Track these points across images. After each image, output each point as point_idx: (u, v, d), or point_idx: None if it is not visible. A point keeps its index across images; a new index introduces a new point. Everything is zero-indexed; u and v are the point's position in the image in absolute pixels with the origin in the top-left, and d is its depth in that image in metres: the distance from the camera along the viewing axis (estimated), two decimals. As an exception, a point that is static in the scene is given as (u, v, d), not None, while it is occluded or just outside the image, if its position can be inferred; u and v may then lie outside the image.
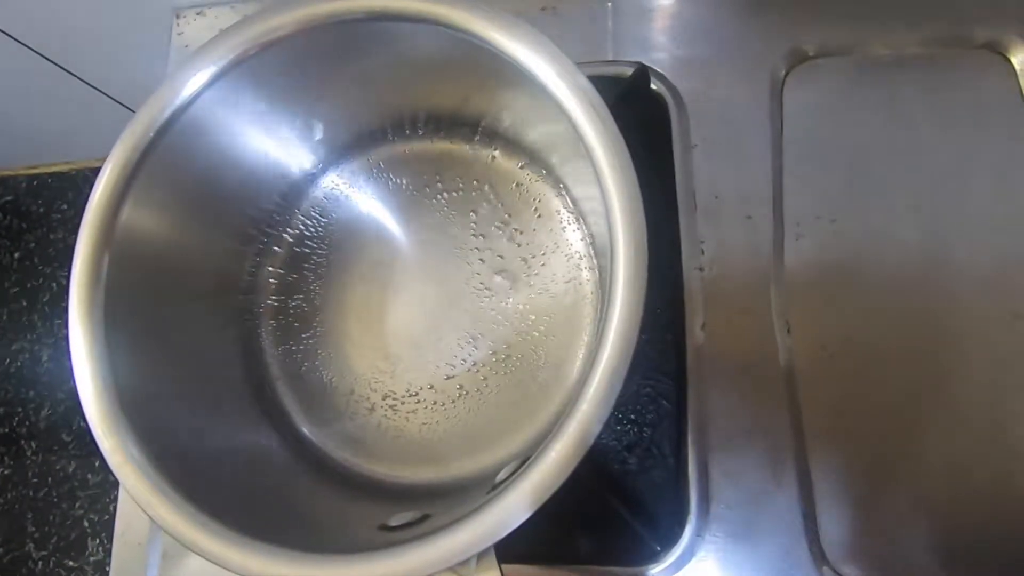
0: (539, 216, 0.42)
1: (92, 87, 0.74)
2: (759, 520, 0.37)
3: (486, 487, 0.32)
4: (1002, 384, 0.38)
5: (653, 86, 0.45)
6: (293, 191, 0.44)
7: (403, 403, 0.41)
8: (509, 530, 0.26)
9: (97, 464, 0.94)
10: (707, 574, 0.37)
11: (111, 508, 0.90)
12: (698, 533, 0.37)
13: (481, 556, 0.27)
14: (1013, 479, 0.37)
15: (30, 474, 0.94)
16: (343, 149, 0.45)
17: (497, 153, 0.43)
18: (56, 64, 0.69)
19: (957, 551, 0.37)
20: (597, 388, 0.27)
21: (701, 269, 0.41)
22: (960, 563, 0.36)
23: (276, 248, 0.44)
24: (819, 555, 0.37)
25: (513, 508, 0.26)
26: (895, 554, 0.37)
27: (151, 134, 0.33)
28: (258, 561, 0.28)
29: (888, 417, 0.39)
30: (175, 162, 0.34)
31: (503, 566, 0.28)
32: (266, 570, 0.27)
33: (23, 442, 0.95)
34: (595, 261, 0.41)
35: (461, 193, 0.44)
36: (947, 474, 0.38)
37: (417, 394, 0.41)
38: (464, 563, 0.27)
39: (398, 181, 0.44)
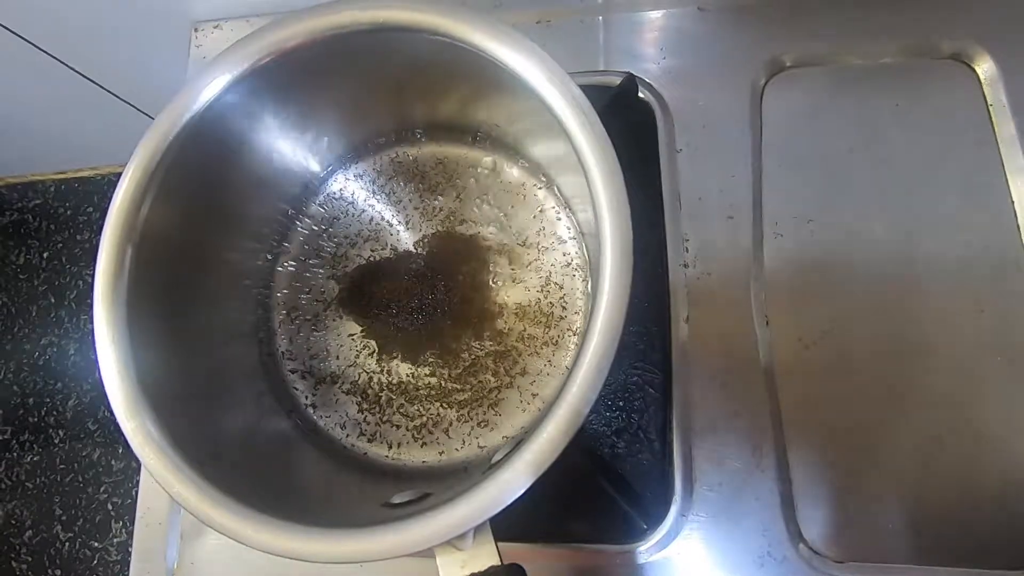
0: (533, 216, 0.42)
1: (116, 97, 0.74)
2: (740, 501, 0.38)
3: (483, 467, 0.33)
4: (967, 373, 0.39)
5: (641, 94, 0.45)
6: (304, 192, 0.45)
7: (406, 390, 0.41)
8: (503, 506, 0.26)
9: (120, 451, 0.94)
10: (691, 551, 0.37)
11: (133, 492, 0.90)
12: (682, 513, 0.38)
13: (477, 531, 0.27)
14: (979, 461, 0.37)
15: (57, 461, 0.95)
16: (350, 152, 0.45)
17: (494, 157, 0.43)
18: (83, 75, 0.70)
19: (926, 529, 0.37)
20: (586, 374, 0.27)
21: (686, 266, 0.42)
22: (928, 540, 0.37)
23: (287, 245, 0.44)
24: (796, 533, 0.37)
25: (507, 486, 0.26)
26: (867, 532, 0.37)
27: (169, 139, 0.33)
28: (269, 535, 0.28)
29: (861, 405, 0.39)
30: (191, 165, 0.34)
31: (499, 543, 0.28)
32: (277, 544, 0.28)
33: (51, 431, 0.96)
34: (586, 257, 0.41)
35: (460, 193, 0.44)
36: (917, 457, 0.38)
37: (420, 382, 0.41)
38: (461, 538, 0.27)
39: (402, 183, 0.45)
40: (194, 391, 0.35)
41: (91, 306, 0.31)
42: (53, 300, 1.01)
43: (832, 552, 0.37)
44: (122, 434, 0.30)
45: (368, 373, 0.42)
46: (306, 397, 0.42)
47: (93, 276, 0.32)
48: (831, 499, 0.38)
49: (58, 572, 0.91)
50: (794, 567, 0.36)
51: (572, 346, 0.40)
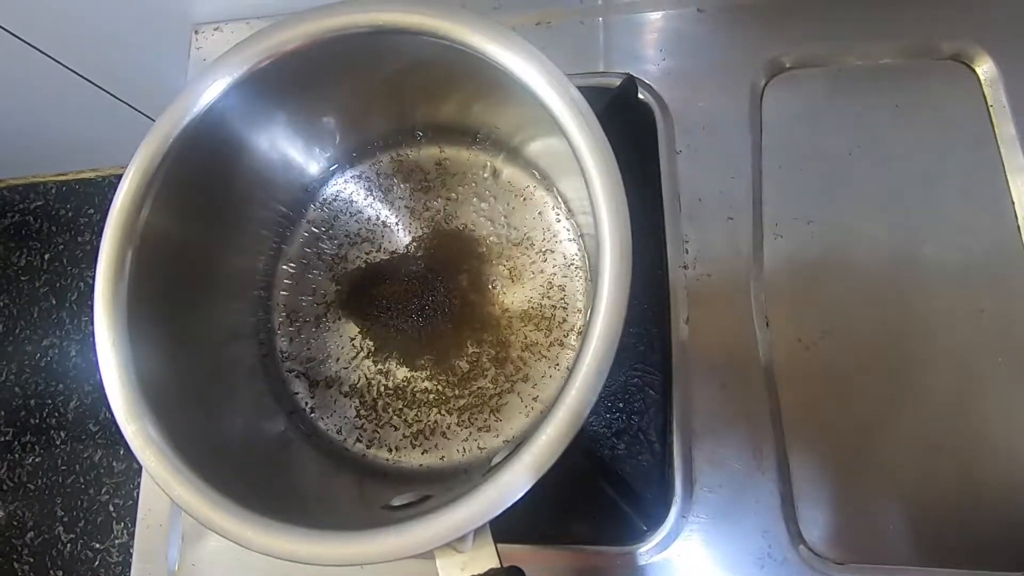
0: (534, 217, 0.42)
1: (117, 99, 0.74)
2: (740, 502, 0.38)
3: (483, 469, 0.33)
4: (968, 374, 0.39)
5: (641, 95, 0.45)
6: (303, 194, 0.45)
7: (406, 394, 0.41)
8: (502, 509, 0.26)
9: (122, 452, 0.94)
10: (691, 553, 0.37)
11: (135, 494, 0.90)
12: (683, 514, 0.38)
13: (477, 534, 0.27)
14: (980, 462, 0.37)
15: (59, 462, 0.95)
16: (351, 154, 0.45)
17: (495, 158, 0.44)
18: (84, 78, 0.70)
19: (926, 530, 0.37)
20: (585, 376, 0.27)
21: (685, 267, 0.42)
22: (929, 541, 0.37)
23: (287, 247, 0.44)
24: (796, 534, 0.37)
25: (506, 488, 0.26)
26: (868, 534, 0.37)
27: (170, 141, 0.33)
28: (269, 537, 0.28)
29: (861, 405, 0.39)
30: (191, 167, 0.34)
31: (499, 545, 0.28)
32: (277, 546, 0.28)
33: (53, 432, 0.96)
34: (586, 259, 0.41)
35: (460, 195, 0.44)
36: (917, 458, 0.38)
37: (419, 385, 0.41)
38: (461, 540, 0.27)
39: (402, 184, 0.45)
40: (194, 393, 0.35)
41: (92, 307, 0.31)
42: (54, 301, 1.01)
43: (832, 553, 0.37)
44: (123, 436, 0.30)
45: (368, 376, 0.42)
46: (305, 400, 0.42)
47: (94, 278, 0.32)
48: (831, 500, 0.38)
49: (60, 573, 0.91)
50: (794, 568, 0.36)
51: (574, 348, 0.40)
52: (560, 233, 0.42)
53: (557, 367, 0.40)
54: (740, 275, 0.41)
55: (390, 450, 0.41)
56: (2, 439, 0.97)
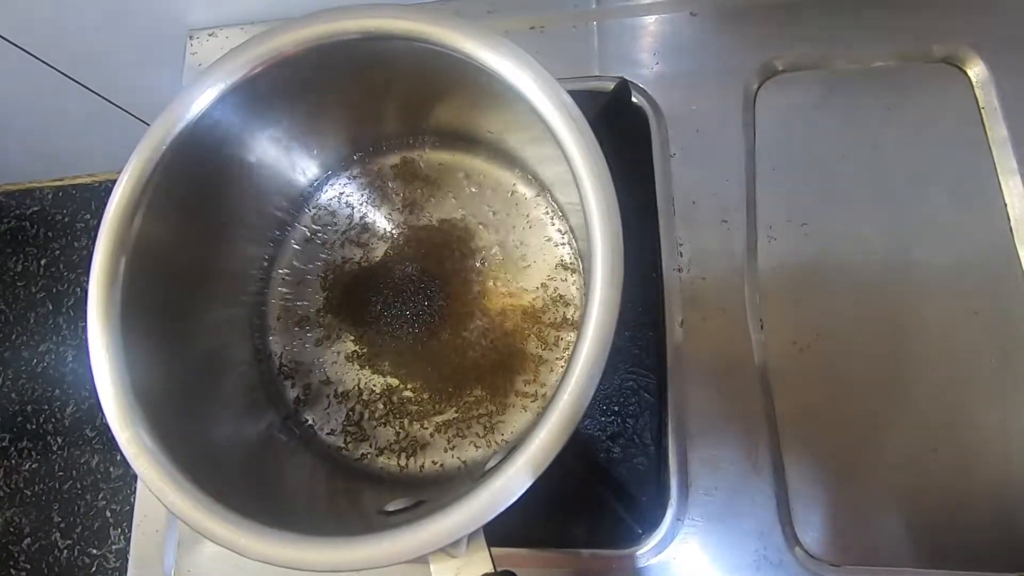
0: (529, 222, 0.42)
1: (113, 104, 0.74)
2: (736, 505, 0.38)
3: (477, 473, 0.33)
4: (961, 376, 0.39)
5: (634, 99, 0.45)
6: (299, 198, 0.45)
7: (400, 399, 0.41)
8: (496, 513, 0.26)
9: (119, 458, 0.93)
10: (687, 555, 0.37)
11: (131, 499, 0.90)
12: (678, 517, 0.38)
13: (471, 538, 0.27)
14: (975, 463, 0.37)
15: (56, 468, 0.94)
16: (344, 159, 0.45)
17: (489, 163, 0.44)
18: (80, 83, 0.70)
19: (922, 532, 0.37)
20: (578, 379, 0.27)
21: (680, 270, 0.42)
22: (924, 543, 0.37)
23: (282, 252, 0.44)
24: (792, 537, 0.37)
25: (500, 493, 0.27)
26: (863, 535, 0.37)
27: (163, 148, 0.33)
28: (264, 545, 0.28)
29: (855, 408, 0.39)
30: (186, 172, 0.34)
31: (494, 548, 0.28)
32: (272, 553, 0.28)
33: (49, 437, 0.96)
34: (579, 263, 0.41)
35: (456, 200, 0.44)
36: (911, 460, 0.38)
37: (413, 390, 0.41)
38: (455, 544, 0.27)
39: (397, 189, 0.45)
40: (188, 399, 0.35)
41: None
42: (51, 307, 1.01)
43: (828, 555, 0.37)
44: (116, 439, 0.30)
45: (361, 382, 0.42)
46: (299, 405, 0.42)
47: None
48: (827, 502, 0.38)
49: (57, 580, 0.91)
50: (790, 571, 0.36)
51: (567, 353, 0.40)
52: (555, 237, 0.42)
53: (553, 370, 0.40)
54: (734, 278, 0.41)
55: (384, 456, 0.41)
56: (-1, 445, 0.97)
